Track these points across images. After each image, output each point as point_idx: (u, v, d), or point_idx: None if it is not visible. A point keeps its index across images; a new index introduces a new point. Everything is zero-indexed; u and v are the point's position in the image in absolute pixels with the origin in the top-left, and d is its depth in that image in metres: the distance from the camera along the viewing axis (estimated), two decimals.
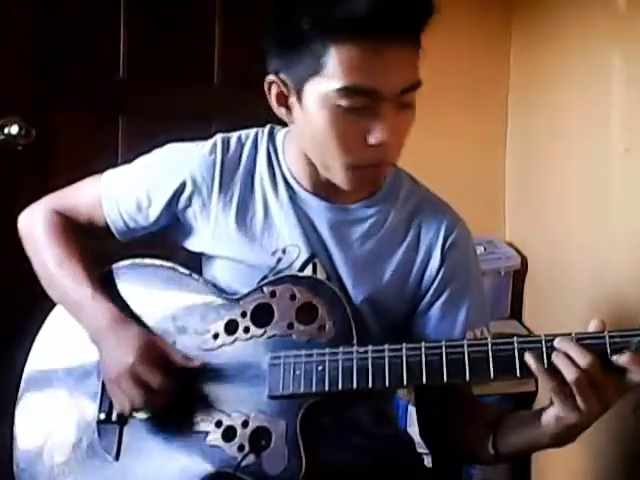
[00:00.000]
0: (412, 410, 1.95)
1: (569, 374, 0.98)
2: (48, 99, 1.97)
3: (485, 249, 2.26)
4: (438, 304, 1.23)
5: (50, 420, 1.26)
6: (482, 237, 2.24)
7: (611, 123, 1.89)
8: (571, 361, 0.98)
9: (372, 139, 1.08)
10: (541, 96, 2.25)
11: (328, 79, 1.07)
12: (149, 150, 1.33)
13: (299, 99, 1.12)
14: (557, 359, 0.99)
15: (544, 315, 2.25)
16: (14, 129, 1.91)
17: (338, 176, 1.15)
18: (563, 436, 1.04)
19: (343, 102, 1.07)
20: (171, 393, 1.15)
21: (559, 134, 2.15)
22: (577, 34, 2.04)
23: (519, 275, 2.33)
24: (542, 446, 1.10)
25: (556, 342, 1.00)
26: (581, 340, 0.99)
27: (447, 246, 1.23)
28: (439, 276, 1.23)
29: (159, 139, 1.33)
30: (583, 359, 0.98)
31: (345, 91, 1.06)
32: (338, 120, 1.08)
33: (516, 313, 2.35)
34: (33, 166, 1.96)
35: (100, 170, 1.36)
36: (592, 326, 1.02)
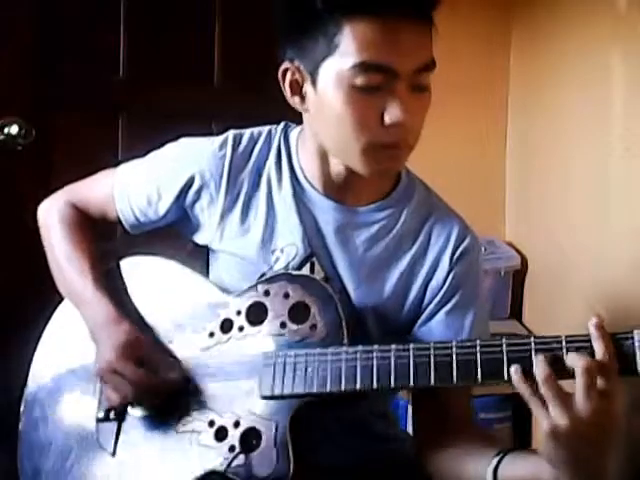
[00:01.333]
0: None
1: (540, 373, 0.92)
2: (48, 99, 1.97)
3: (485, 249, 2.25)
4: (444, 311, 1.21)
5: (54, 416, 1.27)
6: (482, 237, 2.23)
7: (611, 123, 1.89)
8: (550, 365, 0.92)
9: (387, 118, 1.08)
10: (541, 96, 2.25)
11: (343, 57, 1.07)
12: (149, 150, 1.33)
13: (314, 83, 1.12)
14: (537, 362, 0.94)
15: (544, 315, 2.25)
16: (14, 129, 1.91)
17: (356, 160, 1.13)
18: (558, 460, 0.93)
19: (358, 80, 1.07)
20: (157, 389, 1.15)
21: (559, 134, 2.15)
22: (577, 34, 2.04)
23: (519, 275, 2.33)
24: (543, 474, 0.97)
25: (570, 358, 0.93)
26: (570, 343, 0.95)
27: (457, 255, 1.22)
28: (446, 284, 1.21)
29: (159, 139, 1.33)
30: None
31: (360, 68, 1.06)
32: (353, 99, 1.08)
33: (516, 313, 2.35)
34: (33, 166, 1.96)
35: (100, 170, 1.36)
36: (591, 324, 0.95)
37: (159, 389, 1.16)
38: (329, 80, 1.09)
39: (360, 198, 1.23)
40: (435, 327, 1.21)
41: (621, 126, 1.86)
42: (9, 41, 1.91)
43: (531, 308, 2.33)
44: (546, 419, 0.91)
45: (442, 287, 1.21)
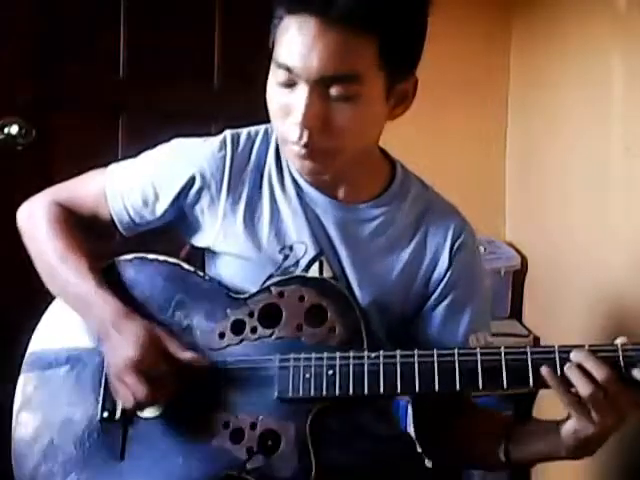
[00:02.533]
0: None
1: (584, 389, 0.98)
2: (48, 99, 1.97)
3: (485, 249, 2.25)
4: (442, 306, 1.22)
5: (50, 418, 1.24)
6: (482, 237, 2.24)
7: (611, 123, 1.89)
8: (586, 374, 0.98)
9: (290, 117, 1.10)
10: (541, 96, 2.25)
11: (273, 50, 1.11)
12: (149, 149, 1.33)
13: None
14: (571, 372, 0.99)
15: (544, 315, 2.25)
16: (14, 129, 1.92)
17: (285, 154, 1.18)
18: (581, 449, 1.04)
19: (274, 74, 1.11)
20: (176, 387, 1.13)
21: (559, 134, 2.15)
22: (577, 34, 2.04)
23: (519, 275, 2.33)
24: (558, 458, 1.09)
25: (572, 355, 1.00)
26: (594, 353, 0.99)
27: (455, 248, 1.23)
28: (446, 278, 1.22)
29: (159, 139, 1.33)
30: (600, 372, 0.98)
31: (274, 64, 1.10)
32: (271, 92, 1.13)
33: (516, 313, 2.35)
34: (33, 166, 1.96)
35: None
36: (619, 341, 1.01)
37: (179, 387, 1.13)
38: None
39: (355, 195, 1.23)
40: (434, 321, 1.22)
41: (621, 126, 1.86)
42: (9, 41, 1.91)
43: (531, 308, 2.33)
44: (595, 423, 0.99)
45: (442, 281, 1.22)
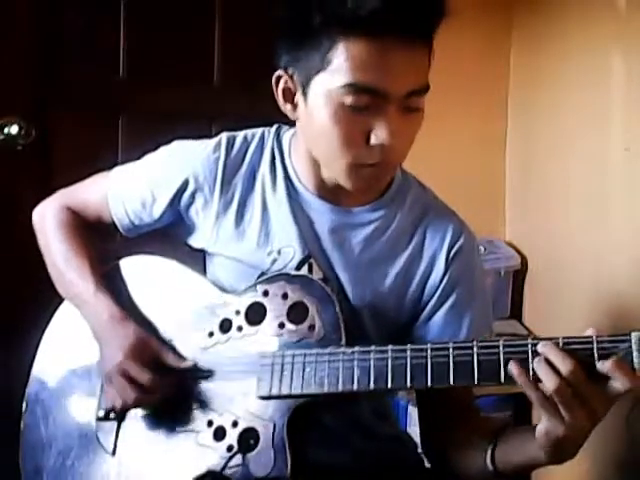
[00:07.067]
0: (412, 410, 1.95)
1: (549, 383, 0.92)
2: (48, 99, 1.97)
3: (485, 249, 2.25)
4: (442, 311, 1.21)
5: (55, 415, 1.27)
6: (482, 237, 2.24)
7: (611, 123, 1.89)
8: (552, 368, 0.93)
9: (373, 139, 1.08)
10: (541, 96, 2.25)
11: (334, 75, 1.06)
12: (149, 150, 1.33)
13: (304, 95, 1.12)
14: (537, 366, 0.94)
15: (544, 315, 2.25)
16: (14, 129, 1.91)
17: (340, 174, 1.14)
18: (557, 452, 0.98)
19: (347, 99, 1.06)
20: (162, 392, 1.16)
21: (559, 134, 2.15)
22: (577, 34, 2.04)
23: (519, 275, 2.33)
24: (541, 463, 1.04)
25: (539, 347, 0.95)
26: (567, 345, 0.94)
27: (452, 254, 1.22)
28: (442, 283, 1.21)
29: (159, 139, 1.33)
30: (564, 365, 0.92)
31: (350, 88, 1.05)
32: (341, 117, 1.08)
33: (516, 313, 2.35)
34: (33, 166, 1.96)
35: (100, 170, 1.37)
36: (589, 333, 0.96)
37: (164, 392, 1.16)
38: (319, 94, 1.09)
39: (354, 199, 1.23)
40: (433, 327, 1.21)
41: (621, 126, 1.86)
42: (9, 41, 1.91)
43: (531, 308, 2.33)
44: (565, 421, 0.93)
45: (439, 287, 1.21)
